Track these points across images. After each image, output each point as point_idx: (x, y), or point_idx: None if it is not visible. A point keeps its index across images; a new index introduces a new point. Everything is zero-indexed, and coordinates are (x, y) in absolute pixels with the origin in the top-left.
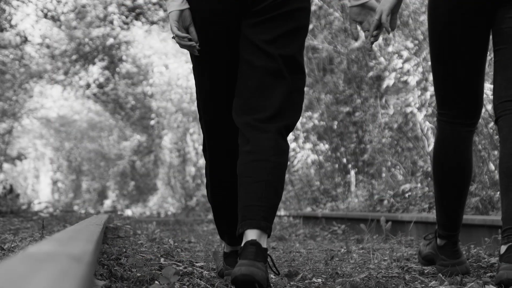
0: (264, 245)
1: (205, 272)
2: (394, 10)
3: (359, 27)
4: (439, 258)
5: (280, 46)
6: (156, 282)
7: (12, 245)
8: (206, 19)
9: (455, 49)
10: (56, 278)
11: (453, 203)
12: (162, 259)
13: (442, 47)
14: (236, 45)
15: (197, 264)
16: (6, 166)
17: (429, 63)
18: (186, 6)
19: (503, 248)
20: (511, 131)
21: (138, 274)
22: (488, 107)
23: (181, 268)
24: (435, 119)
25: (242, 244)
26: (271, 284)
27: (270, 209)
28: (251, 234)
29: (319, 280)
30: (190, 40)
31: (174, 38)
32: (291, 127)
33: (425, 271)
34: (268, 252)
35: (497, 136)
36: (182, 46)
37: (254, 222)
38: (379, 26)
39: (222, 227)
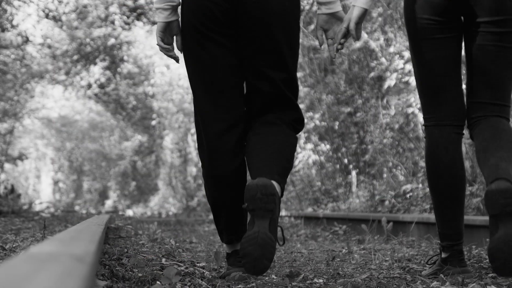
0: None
1: (207, 272)
2: (360, 20)
3: (324, 35)
4: (445, 269)
5: (282, 65)
6: (158, 282)
7: (14, 245)
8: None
9: (431, 60)
10: (59, 278)
11: (452, 209)
12: (163, 260)
13: (421, 54)
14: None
15: (198, 265)
16: (7, 166)
17: None
18: (174, 18)
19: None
20: (481, 129)
21: (140, 274)
22: None
23: (182, 268)
24: None
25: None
26: (273, 285)
27: (284, 168)
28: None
29: (321, 280)
30: (172, 50)
31: (157, 45)
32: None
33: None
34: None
35: None
36: (164, 53)
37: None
38: (346, 35)
39: (220, 225)
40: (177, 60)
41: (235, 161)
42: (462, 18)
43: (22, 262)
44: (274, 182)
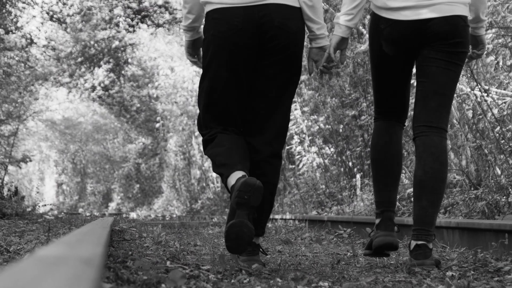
0: (257, 242)
1: (212, 275)
2: (339, 47)
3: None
4: (375, 235)
5: (283, 89)
6: (163, 285)
7: (18, 248)
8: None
9: (387, 70)
10: (68, 282)
11: (387, 182)
12: (168, 262)
13: (377, 65)
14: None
15: (203, 267)
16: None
17: None
18: (197, 36)
19: (412, 244)
20: (425, 150)
21: (145, 277)
22: (495, 111)
23: (187, 271)
24: None
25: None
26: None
27: (265, 218)
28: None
29: (326, 284)
30: (199, 62)
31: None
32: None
33: (432, 275)
34: (259, 243)
35: (503, 140)
36: (193, 64)
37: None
38: (330, 60)
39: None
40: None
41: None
42: (417, 42)
43: (30, 265)
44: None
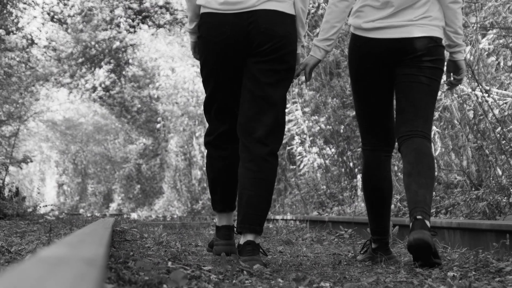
0: (257, 242)
1: (213, 276)
2: (314, 67)
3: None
4: (375, 258)
5: (276, 87)
6: (165, 285)
7: (19, 248)
8: (219, 54)
9: (368, 97)
10: (72, 283)
11: (380, 212)
12: (169, 263)
13: (359, 94)
14: (239, 70)
15: (204, 268)
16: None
17: None
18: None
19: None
20: (408, 147)
21: (146, 278)
22: (496, 111)
23: (188, 271)
24: (442, 123)
25: (242, 243)
26: None
27: (263, 216)
28: (249, 236)
29: (327, 284)
30: None
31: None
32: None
33: (433, 276)
34: (259, 243)
35: (504, 141)
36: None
37: (251, 227)
38: (299, 74)
39: (215, 198)
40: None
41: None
42: (393, 64)
43: (34, 266)
44: (256, 237)
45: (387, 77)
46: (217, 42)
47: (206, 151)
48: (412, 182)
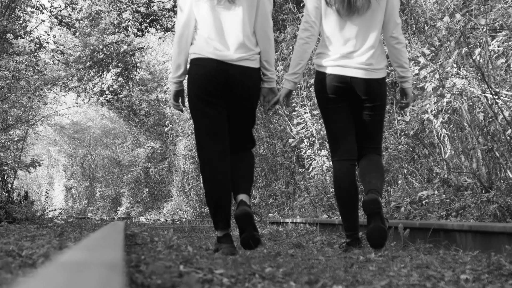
0: (248, 203)
1: (225, 279)
2: (288, 96)
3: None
4: (350, 249)
5: (247, 120)
6: None
7: (30, 252)
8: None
9: (333, 121)
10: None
11: (350, 213)
12: (181, 266)
13: (324, 107)
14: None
15: (216, 271)
16: (20, 173)
17: (446, 69)
18: (181, 88)
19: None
20: (362, 160)
21: (159, 282)
22: (506, 113)
23: (201, 275)
24: (451, 125)
25: (238, 202)
26: None
27: (250, 182)
28: (243, 197)
29: (340, 287)
30: (179, 106)
31: (171, 103)
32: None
33: (446, 279)
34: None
35: None
36: (174, 108)
37: (246, 190)
38: (276, 102)
39: (217, 218)
40: (182, 111)
41: (227, 173)
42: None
43: (56, 271)
44: (247, 198)
45: (348, 103)
46: (203, 79)
47: None
48: (365, 176)
